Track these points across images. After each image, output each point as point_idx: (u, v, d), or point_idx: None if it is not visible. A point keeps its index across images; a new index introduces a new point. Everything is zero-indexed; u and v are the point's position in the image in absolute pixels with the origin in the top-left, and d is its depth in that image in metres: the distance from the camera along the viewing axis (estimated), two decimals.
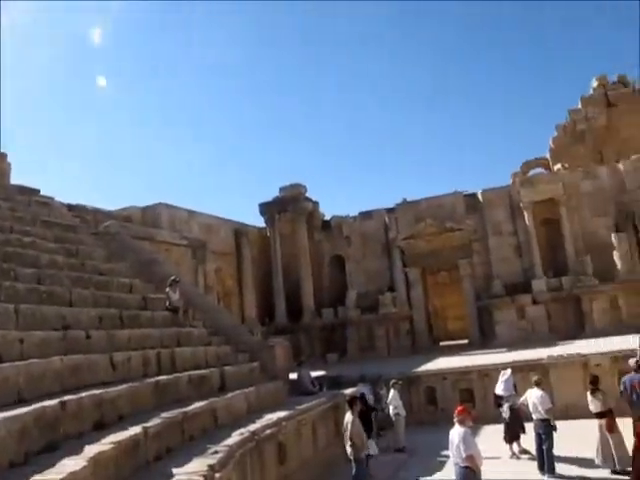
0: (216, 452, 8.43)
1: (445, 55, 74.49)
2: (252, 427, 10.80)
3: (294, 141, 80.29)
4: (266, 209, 29.58)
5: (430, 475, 12.41)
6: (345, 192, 73.88)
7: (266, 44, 75.52)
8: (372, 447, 12.50)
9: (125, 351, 10.85)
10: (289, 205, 29.08)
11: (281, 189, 29.78)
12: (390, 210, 27.97)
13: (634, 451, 7.71)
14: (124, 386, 9.42)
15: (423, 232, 26.50)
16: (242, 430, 10.45)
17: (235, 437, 9.92)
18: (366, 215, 28.78)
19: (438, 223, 26.25)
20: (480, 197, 26.67)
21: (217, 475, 7.40)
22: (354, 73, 75.75)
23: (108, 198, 77.39)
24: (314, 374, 17.71)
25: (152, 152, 74.49)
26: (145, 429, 8.13)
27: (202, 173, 77.29)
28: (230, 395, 12.26)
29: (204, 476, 7.04)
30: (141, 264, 17.00)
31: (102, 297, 12.70)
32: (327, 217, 30.51)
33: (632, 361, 12.30)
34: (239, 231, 28.04)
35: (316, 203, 30.26)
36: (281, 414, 12.19)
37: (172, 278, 14.70)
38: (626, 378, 11.56)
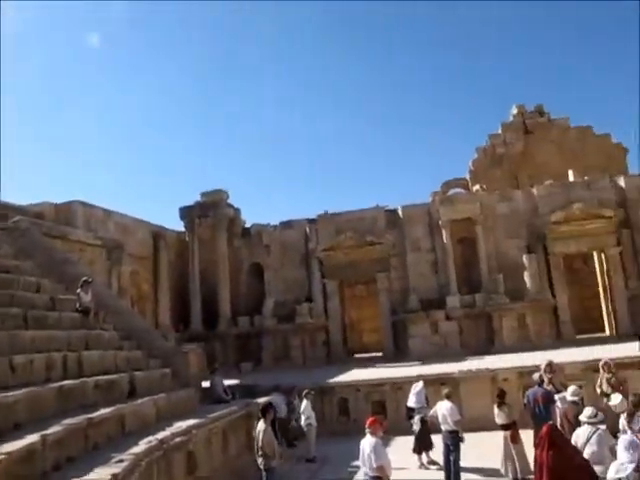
0: (121, 461, 8.08)
1: (373, 65, 75.88)
2: (161, 435, 10.47)
3: (216, 146, 79.48)
4: (186, 213, 29.00)
5: None
6: (267, 201, 73.54)
7: (186, 43, 74.48)
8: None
9: (28, 353, 10.27)
10: (210, 210, 28.65)
11: (202, 194, 29.30)
12: (311, 221, 28.06)
13: (534, 461, 8.08)
14: (23, 391, 8.89)
15: (343, 244, 26.73)
16: (150, 438, 10.11)
17: (142, 445, 9.58)
18: (287, 225, 28.74)
19: (358, 236, 26.55)
20: (400, 213, 27.20)
21: None
22: (286, 79, 75.97)
23: (19, 192, 73.63)
24: (227, 382, 17.45)
25: (68, 148, 71.67)
26: (43, 437, 7.68)
27: (120, 173, 75.04)
28: (139, 401, 11.85)
29: None
30: (52, 263, 16.22)
31: (4, 295, 12.00)
32: (248, 225, 30.21)
33: (536, 376, 12.87)
34: (157, 234, 27.33)
35: (237, 210, 29.97)
36: (192, 422, 11.90)
37: (84, 279, 14.12)
38: (530, 392, 12.15)
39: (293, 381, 18.71)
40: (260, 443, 10.75)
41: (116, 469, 7.51)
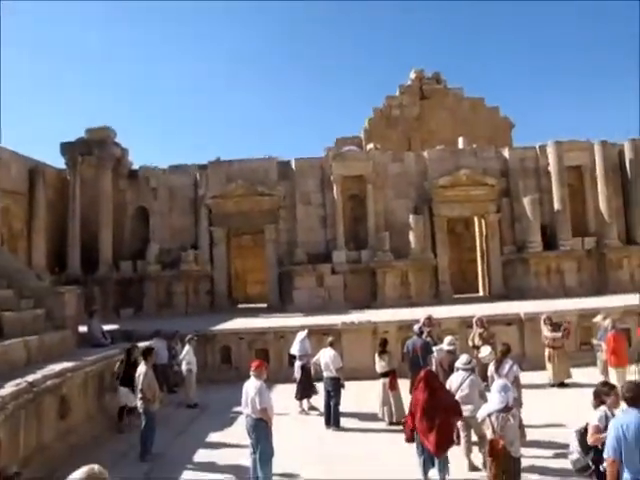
0: None
1: (274, 17, 74.27)
2: (31, 378, 9.90)
3: (101, 85, 75.11)
4: (68, 150, 27.09)
5: (221, 430, 12.45)
6: (157, 143, 70.91)
7: None
8: (129, 398, 12.18)
9: None
10: (95, 149, 26.96)
11: (87, 130, 27.46)
12: (202, 167, 27.24)
13: (410, 402, 8.57)
14: None
15: (233, 193, 26.26)
16: (19, 380, 9.54)
17: (9, 388, 9.04)
18: (176, 169, 27.69)
19: (249, 186, 26.19)
20: (293, 165, 27.06)
21: None
22: (182, 27, 72.60)
23: None
24: (106, 328, 16.83)
25: None
26: None
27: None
28: (7, 342, 11.13)
29: None
30: None
31: None
32: (136, 167, 28.84)
33: (416, 327, 13.43)
34: (35, 170, 25.42)
35: (125, 150, 28.47)
36: (66, 365, 11.36)
37: None
38: (409, 342, 12.73)
39: (175, 327, 18.32)
40: (140, 386, 10.47)
41: None
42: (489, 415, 7.11)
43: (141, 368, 10.72)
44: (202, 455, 10.92)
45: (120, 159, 27.92)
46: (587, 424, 6.55)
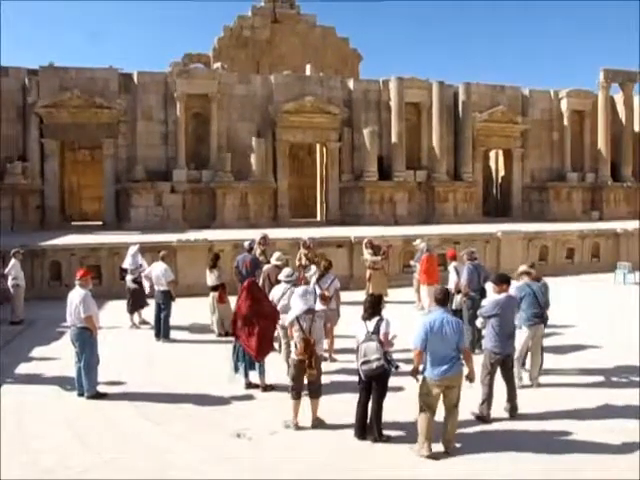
0: None
1: None
2: None
3: None
4: None
5: (47, 344, 12.19)
6: None
7: None
8: None
9: None
10: None
11: None
12: (32, 72, 24.98)
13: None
14: None
15: (68, 103, 24.50)
16: None
17: None
18: (1, 71, 25.09)
19: (87, 97, 24.55)
20: (135, 79, 25.76)
21: None
22: None
23: None
24: None
25: None
26: None
27: None
28: None
29: None
30: None
31: None
32: None
33: (246, 243, 13.98)
34: None
35: None
36: None
37: None
38: (239, 257, 13.28)
39: None
40: None
41: None
42: (297, 317, 7.72)
43: None
44: (25, 368, 10.67)
45: None
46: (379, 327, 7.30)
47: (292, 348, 7.93)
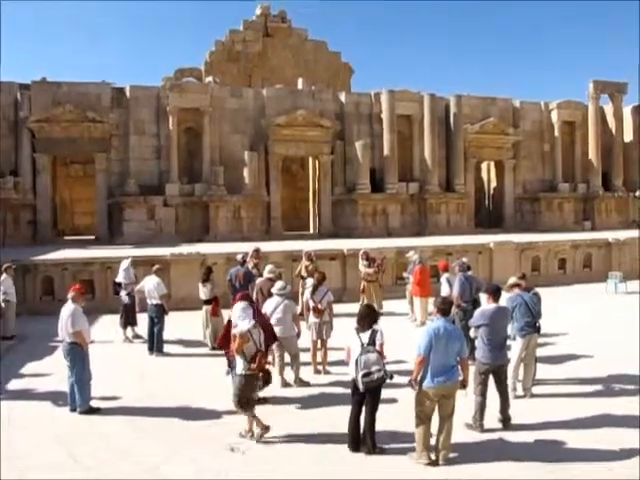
0: None
1: None
2: None
3: None
4: None
5: (40, 359, 12.11)
6: None
7: None
8: None
9: None
10: None
11: None
12: (24, 86, 25.05)
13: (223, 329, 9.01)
14: None
15: (61, 118, 24.54)
16: None
17: None
18: None
19: (79, 111, 24.60)
20: (128, 93, 25.85)
21: None
22: None
23: None
24: None
25: None
26: None
27: None
28: None
29: None
30: None
31: None
32: None
33: (239, 256, 13.93)
34: None
35: None
36: None
37: None
38: (232, 270, 13.25)
39: None
40: None
41: None
42: (249, 331, 7.73)
43: None
44: (17, 384, 10.58)
45: None
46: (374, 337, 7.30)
47: (240, 363, 7.79)
